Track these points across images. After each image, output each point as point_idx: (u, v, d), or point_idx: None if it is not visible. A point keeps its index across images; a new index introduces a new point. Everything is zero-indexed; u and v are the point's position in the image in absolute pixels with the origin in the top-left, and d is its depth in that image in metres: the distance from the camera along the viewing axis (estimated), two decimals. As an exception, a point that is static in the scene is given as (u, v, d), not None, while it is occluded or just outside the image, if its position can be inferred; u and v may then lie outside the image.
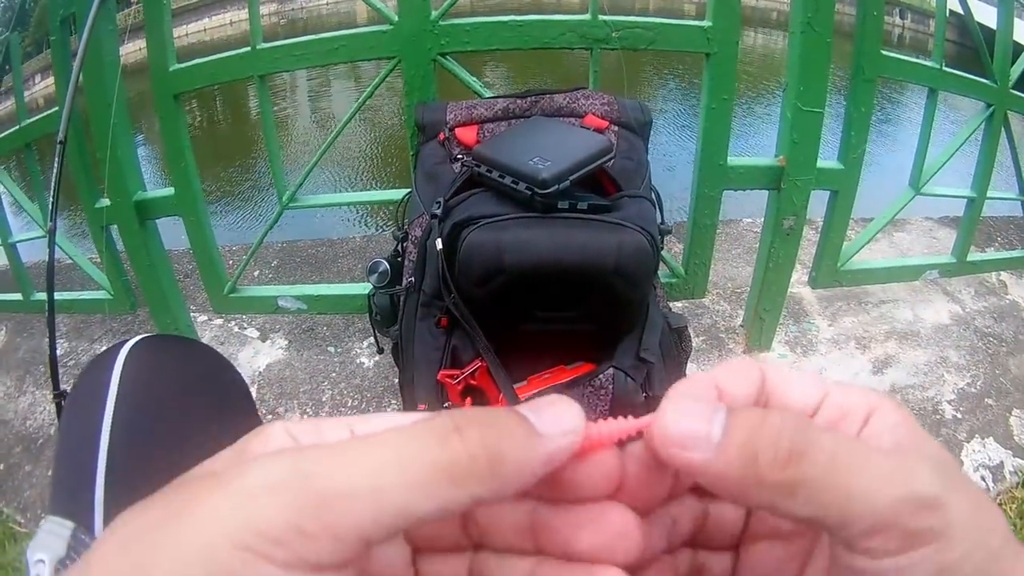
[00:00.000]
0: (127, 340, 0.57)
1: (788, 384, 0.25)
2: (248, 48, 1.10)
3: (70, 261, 1.55)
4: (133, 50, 1.45)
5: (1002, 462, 1.32)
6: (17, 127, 1.38)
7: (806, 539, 0.26)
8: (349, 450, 0.18)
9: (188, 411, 0.54)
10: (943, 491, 0.21)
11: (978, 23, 1.28)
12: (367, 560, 0.22)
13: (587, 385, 0.88)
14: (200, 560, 0.16)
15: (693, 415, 0.21)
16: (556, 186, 0.81)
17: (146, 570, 0.16)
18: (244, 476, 0.17)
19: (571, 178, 0.82)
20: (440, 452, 0.18)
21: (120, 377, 0.53)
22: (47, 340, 1.02)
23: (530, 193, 0.81)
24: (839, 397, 0.24)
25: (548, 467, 0.20)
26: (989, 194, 1.48)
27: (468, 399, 0.94)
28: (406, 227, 0.97)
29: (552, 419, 0.20)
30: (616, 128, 0.97)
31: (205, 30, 10.86)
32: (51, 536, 0.45)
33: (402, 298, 0.95)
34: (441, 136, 0.97)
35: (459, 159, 0.93)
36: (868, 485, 0.20)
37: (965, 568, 0.21)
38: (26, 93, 1.43)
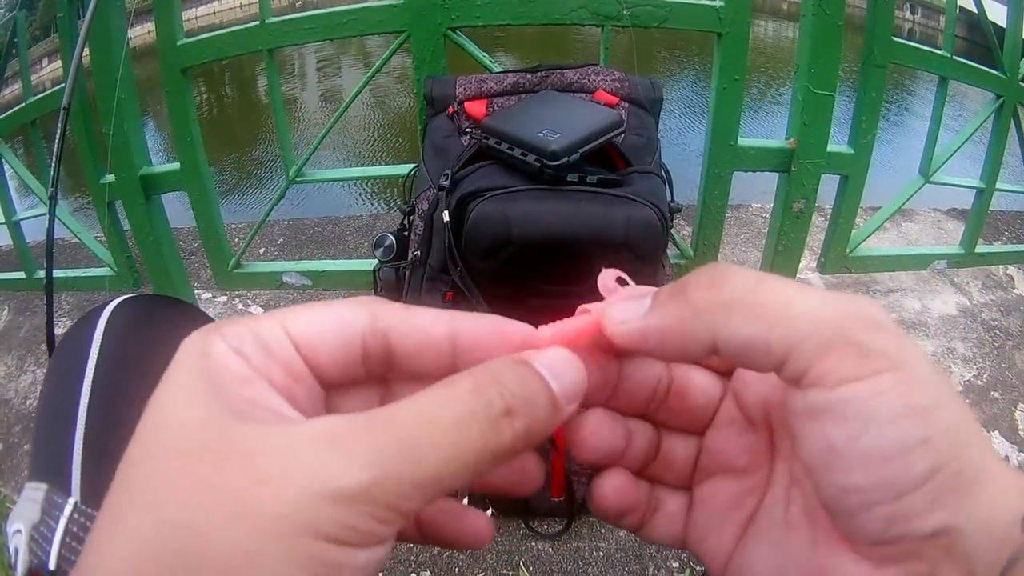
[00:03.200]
0: (111, 300, 0.56)
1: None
2: (257, 22, 1.10)
3: (74, 241, 1.55)
4: (140, 33, 1.44)
5: (1007, 456, 1.32)
6: (23, 104, 1.38)
7: (758, 472, 0.26)
8: (410, 427, 0.19)
9: None
10: (895, 327, 0.21)
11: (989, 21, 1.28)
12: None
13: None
14: (296, 562, 0.17)
15: (628, 299, 0.24)
16: (566, 158, 0.80)
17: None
18: (311, 476, 0.17)
19: (581, 151, 0.82)
20: (492, 442, 0.19)
21: (102, 337, 0.52)
22: (46, 314, 1.01)
23: (539, 165, 0.81)
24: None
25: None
26: (998, 186, 1.47)
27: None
28: (413, 201, 0.97)
29: (571, 391, 0.22)
30: (627, 105, 0.96)
31: (215, 13, 10.85)
32: (27, 503, 0.44)
33: (408, 272, 0.94)
34: (450, 110, 0.96)
35: (468, 132, 0.93)
36: (810, 300, 0.20)
37: (938, 419, 0.20)
38: (33, 77, 1.42)
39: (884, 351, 0.20)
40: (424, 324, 0.23)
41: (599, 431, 0.25)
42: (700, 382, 0.27)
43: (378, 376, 0.23)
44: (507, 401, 0.20)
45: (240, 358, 0.20)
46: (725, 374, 0.27)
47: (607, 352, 0.25)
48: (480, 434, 0.19)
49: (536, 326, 0.24)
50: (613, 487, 0.26)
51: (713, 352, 0.22)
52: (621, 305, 0.24)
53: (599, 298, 0.25)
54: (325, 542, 0.17)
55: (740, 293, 0.21)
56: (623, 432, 0.26)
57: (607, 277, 0.26)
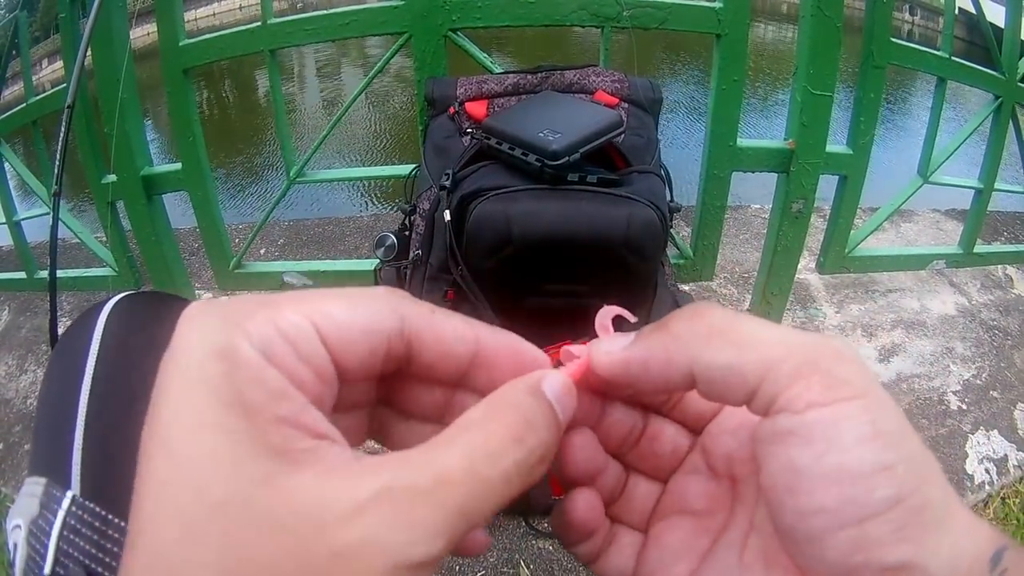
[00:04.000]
0: (111, 297, 0.56)
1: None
2: (258, 23, 1.10)
3: (75, 241, 1.55)
4: (141, 35, 1.45)
5: (1006, 455, 1.32)
6: (24, 104, 1.38)
7: (717, 517, 0.27)
8: (463, 503, 0.19)
9: None
10: (861, 360, 0.22)
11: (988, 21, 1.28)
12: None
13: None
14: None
15: (615, 338, 0.25)
16: (566, 158, 0.81)
17: None
18: (383, 553, 0.17)
19: (581, 151, 0.82)
20: (521, 485, 0.20)
21: (102, 333, 0.52)
22: (50, 313, 1.02)
23: (540, 165, 0.81)
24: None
25: None
26: (997, 186, 1.48)
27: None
28: (414, 201, 0.97)
29: (568, 417, 0.23)
30: (626, 105, 0.96)
31: (215, 14, 10.85)
32: (26, 498, 0.43)
33: (409, 271, 0.94)
34: (451, 110, 0.96)
35: (469, 132, 0.93)
36: (782, 333, 0.22)
37: (902, 448, 0.20)
38: (34, 77, 1.42)
39: (851, 380, 0.21)
40: (449, 337, 0.23)
41: (587, 447, 0.26)
42: (671, 433, 0.28)
43: (387, 372, 0.23)
44: (542, 450, 0.21)
45: (272, 366, 0.18)
46: (695, 432, 0.29)
47: (594, 391, 0.26)
48: (521, 484, 0.20)
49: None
50: (585, 501, 0.27)
51: (691, 381, 0.23)
52: (608, 340, 0.25)
53: (599, 299, 0.27)
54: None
55: (718, 325, 0.22)
56: (603, 457, 0.27)
57: (604, 316, 0.28)
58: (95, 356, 0.51)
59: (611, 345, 0.25)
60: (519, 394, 0.22)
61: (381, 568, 0.16)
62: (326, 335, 0.19)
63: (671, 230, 0.96)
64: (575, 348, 0.26)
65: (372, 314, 0.21)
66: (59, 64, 1.36)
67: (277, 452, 0.17)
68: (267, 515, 0.16)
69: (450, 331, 0.23)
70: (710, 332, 0.22)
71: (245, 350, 0.18)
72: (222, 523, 0.16)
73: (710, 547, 0.26)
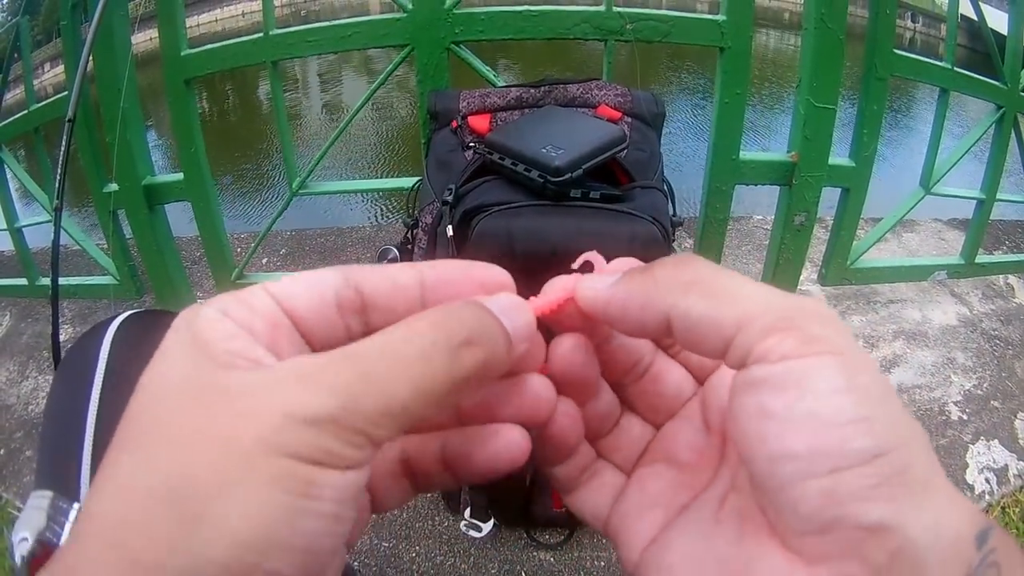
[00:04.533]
0: (117, 315, 0.57)
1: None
2: (261, 34, 1.10)
3: (77, 248, 1.55)
4: (143, 40, 1.45)
5: (1007, 465, 1.32)
6: (26, 111, 1.38)
7: (701, 473, 0.26)
8: (376, 362, 0.20)
9: None
10: (839, 321, 0.21)
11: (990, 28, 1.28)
12: None
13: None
14: (269, 479, 0.18)
15: (601, 273, 0.26)
16: (569, 174, 0.81)
17: (205, 500, 0.17)
18: (284, 404, 0.18)
19: (584, 167, 0.82)
20: (451, 371, 0.20)
21: (109, 351, 0.53)
22: (52, 324, 1.02)
23: (543, 181, 0.81)
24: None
25: (510, 366, 0.23)
26: (999, 196, 1.48)
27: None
28: (417, 214, 0.97)
29: (521, 332, 0.23)
30: (629, 119, 0.96)
31: (216, 20, 10.85)
32: (33, 511, 0.44)
33: (411, 285, 0.94)
34: (454, 124, 0.96)
35: (471, 147, 0.93)
36: (761, 289, 0.22)
37: (880, 406, 0.19)
38: (35, 81, 1.42)
39: (828, 338, 0.20)
40: (393, 271, 0.24)
41: (578, 350, 0.26)
42: (676, 376, 0.28)
43: (360, 334, 0.24)
44: (466, 333, 0.21)
45: (225, 318, 0.21)
46: (699, 381, 0.28)
47: (574, 325, 0.26)
48: (442, 364, 0.20)
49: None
50: (567, 414, 0.26)
51: (667, 328, 0.23)
52: (594, 277, 0.25)
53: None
54: (298, 461, 0.18)
55: (700, 275, 0.22)
56: (595, 371, 0.27)
57: (595, 256, 0.28)
58: (102, 374, 0.51)
59: (596, 282, 0.25)
60: (455, 303, 0.22)
61: (272, 421, 0.18)
62: (273, 291, 0.22)
63: (674, 242, 0.96)
64: (560, 279, 0.26)
65: (317, 272, 0.23)
66: (61, 68, 1.36)
67: (223, 365, 0.19)
68: (197, 399, 0.19)
69: (392, 268, 0.24)
70: (691, 281, 0.22)
71: (203, 311, 0.21)
72: (173, 409, 0.19)
73: (689, 501, 0.26)
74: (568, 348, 0.26)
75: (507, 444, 0.24)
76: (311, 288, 0.22)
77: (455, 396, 0.21)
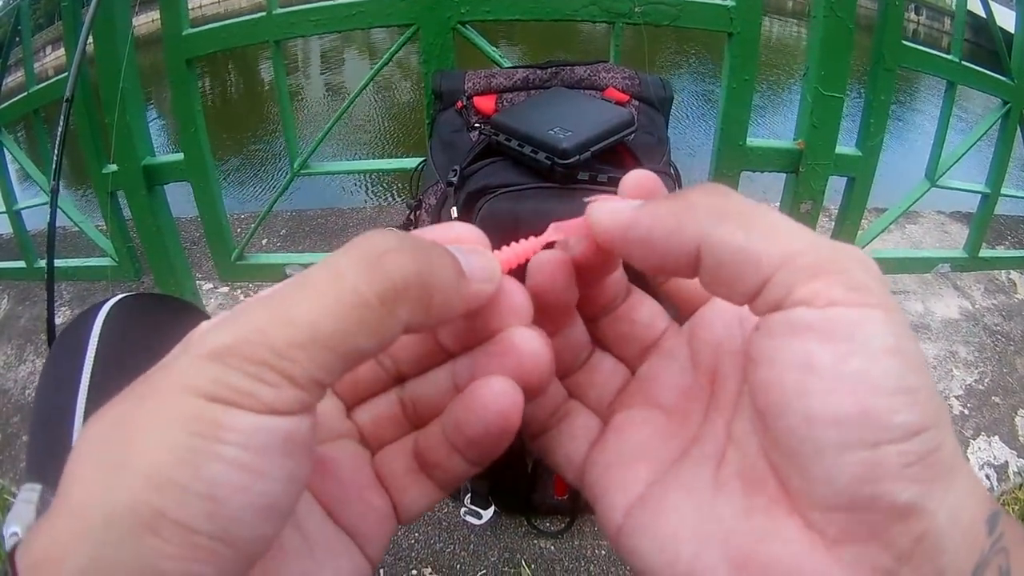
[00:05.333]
0: (108, 299, 0.56)
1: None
2: (263, 13, 1.09)
3: (75, 229, 1.54)
4: (144, 22, 1.43)
5: (1007, 462, 1.32)
6: (25, 93, 1.36)
7: (689, 420, 0.24)
8: (290, 296, 0.18)
9: None
10: (882, 279, 0.20)
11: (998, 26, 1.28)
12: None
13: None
14: (174, 417, 0.17)
15: (617, 200, 0.23)
16: (577, 157, 0.80)
17: (127, 445, 0.17)
18: (194, 346, 0.18)
19: (592, 149, 0.81)
20: (370, 281, 0.18)
21: (99, 336, 0.52)
22: (47, 313, 1.01)
23: (550, 163, 0.80)
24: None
25: (468, 307, 0.21)
26: (1003, 191, 1.47)
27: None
28: (420, 195, 0.96)
29: (478, 266, 0.21)
30: (637, 103, 0.95)
31: (218, 2, 10.76)
32: (23, 504, 0.43)
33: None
34: (459, 104, 0.95)
35: (476, 127, 0.92)
36: (805, 230, 0.20)
37: (923, 376, 0.18)
38: (36, 64, 1.41)
39: (874, 288, 0.18)
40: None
41: (562, 266, 0.24)
42: (649, 308, 0.26)
43: None
44: (388, 243, 0.19)
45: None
46: (685, 312, 0.26)
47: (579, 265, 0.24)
48: (360, 278, 0.18)
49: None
50: (552, 262, 0.24)
51: (695, 261, 0.20)
52: (611, 203, 0.22)
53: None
54: (203, 399, 0.17)
55: (738, 206, 0.20)
56: (575, 294, 0.25)
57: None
58: (91, 362, 0.50)
59: (616, 205, 0.22)
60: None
61: (182, 362, 0.18)
62: None
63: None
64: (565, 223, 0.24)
65: None
66: (62, 51, 1.35)
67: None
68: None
69: None
70: (728, 210, 0.20)
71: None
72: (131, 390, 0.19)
73: (679, 456, 0.23)
74: (550, 264, 0.24)
75: (492, 398, 0.21)
76: None
77: (389, 318, 0.18)
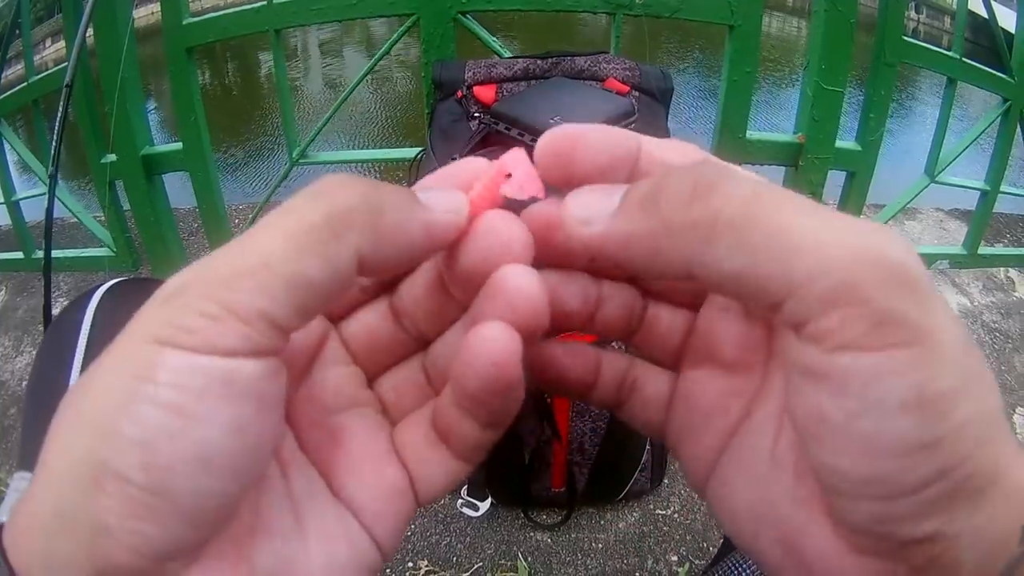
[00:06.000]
0: (103, 283, 0.55)
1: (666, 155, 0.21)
2: (264, 2, 1.09)
3: (73, 221, 1.54)
4: (144, 14, 1.43)
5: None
6: (25, 83, 1.36)
7: (751, 374, 0.22)
8: (242, 239, 0.17)
9: None
10: (928, 277, 0.16)
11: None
12: (302, 360, 0.22)
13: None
14: (121, 362, 0.16)
15: (595, 192, 0.20)
16: (577, 145, 0.80)
17: (84, 396, 0.17)
18: (157, 295, 0.17)
19: (592, 138, 0.81)
20: (316, 207, 0.17)
21: (93, 320, 0.51)
22: (43, 309, 1.00)
23: (549, 151, 0.80)
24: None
25: (430, 238, 0.19)
26: (1002, 189, 1.48)
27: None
28: (419, 186, 0.96)
29: (440, 197, 0.20)
30: (637, 94, 0.95)
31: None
32: (15, 494, 0.43)
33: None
34: (459, 94, 0.95)
35: (476, 117, 0.92)
36: (817, 229, 0.16)
37: (956, 415, 0.16)
38: (35, 57, 1.41)
39: (903, 318, 0.16)
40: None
41: (555, 291, 0.22)
42: None
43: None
44: (337, 180, 0.18)
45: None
46: None
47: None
48: (303, 209, 0.17)
49: None
50: (567, 350, 0.23)
51: (690, 279, 0.18)
52: (586, 197, 0.20)
53: None
54: (156, 344, 0.16)
55: (728, 212, 0.17)
56: (583, 294, 0.23)
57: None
58: (84, 348, 0.50)
59: (589, 209, 0.19)
60: None
61: (143, 311, 0.17)
62: None
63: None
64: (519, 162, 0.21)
65: None
66: (62, 43, 1.35)
67: None
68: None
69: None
70: (715, 224, 0.17)
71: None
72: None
73: (743, 417, 0.22)
74: (549, 287, 0.21)
75: (482, 347, 0.19)
76: None
77: (337, 243, 0.17)
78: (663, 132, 0.93)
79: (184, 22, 1.12)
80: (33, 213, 1.61)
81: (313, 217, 0.17)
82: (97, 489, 0.15)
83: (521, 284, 0.19)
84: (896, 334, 0.16)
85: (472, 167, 0.22)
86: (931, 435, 0.16)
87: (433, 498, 0.23)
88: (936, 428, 0.16)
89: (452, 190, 0.20)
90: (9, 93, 1.42)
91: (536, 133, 0.81)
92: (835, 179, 1.23)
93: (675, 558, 1.02)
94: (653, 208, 0.18)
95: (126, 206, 1.31)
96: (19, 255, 1.60)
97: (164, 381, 0.16)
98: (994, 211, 1.48)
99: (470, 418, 0.21)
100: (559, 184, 0.21)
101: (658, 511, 1.07)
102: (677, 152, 0.21)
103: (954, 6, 1.31)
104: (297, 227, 0.17)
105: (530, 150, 0.21)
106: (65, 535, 0.16)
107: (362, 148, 5.30)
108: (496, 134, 0.85)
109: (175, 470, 0.16)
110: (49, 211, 0.98)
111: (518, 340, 0.19)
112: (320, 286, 0.17)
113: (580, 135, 0.20)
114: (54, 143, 0.96)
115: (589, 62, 0.96)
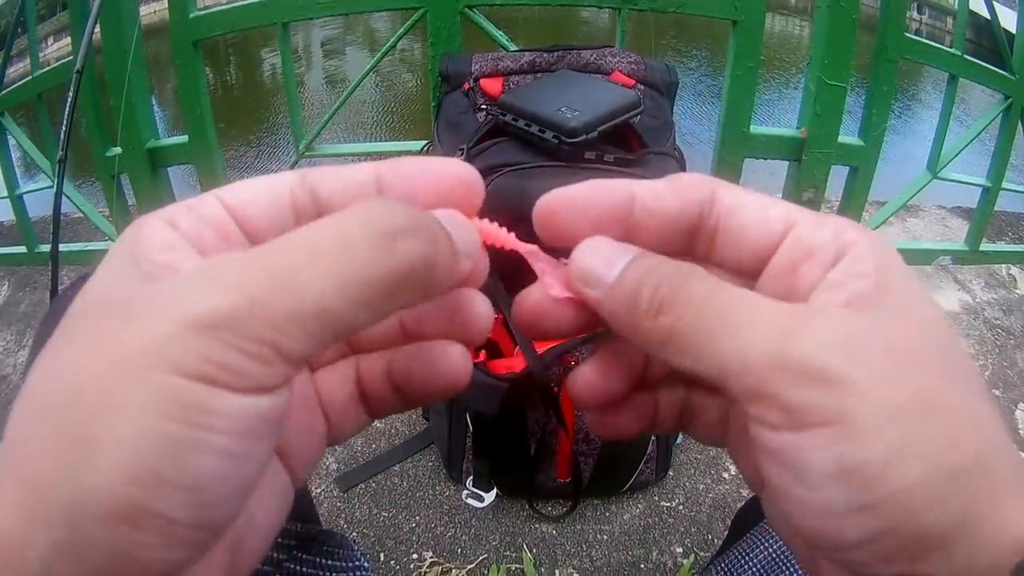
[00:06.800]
0: (94, 269, 0.55)
1: (744, 210, 0.22)
2: (269, -4, 1.09)
3: (77, 215, 1.54)
4: (147, 12, 1.43)
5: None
6: (30, 77, 1.37)
7: None
8: (289, 256, 0.17)
9: None
10: (842, 364, 0.18)
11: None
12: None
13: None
14: (156, 402, 0.15)
15: (600, 254, 0.21)
16: (584, 136, 0.80)
17: (94, 420, 0.15)
18: (169, 304, 0.16)
19: (599, 128, 0.81)
20: (381, 264, 0.17)
21: None
22: (49, 293, 1.00)
23: (557, 142, 0.80)
24: (807, 232, 0.21)
25: (456, 283, 0.20)
26: (1004, 185, 1.48)
27: (483, 352, 0.93)
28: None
29: (466, 242, 0.20)
30: (642, 87, 0.96)
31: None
32: None
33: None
34: (465, 86, 0.96)
35: (483, 109, 0.92)
36: (743, 341, 0.18)
37: (889, 479, 0.17)
38: (40, 55, 1.41)
39: (814, 406, 0.17)
40: (349, 170, 0.22)
41: (593, 380, 0.24)
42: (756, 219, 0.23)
43: None
44: (399, 221, 0.18)
45: (169, 227, 0.19)
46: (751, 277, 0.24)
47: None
48: (370, 255, 0.17)
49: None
50: (586, 377, 0.24)
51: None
52: (595, 258, 0.22)
53: None
54: (186, 379, 0.15)
55: (679, 326, 0.19)
56: (625, 377, 0.25)
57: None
58: None
59: (595, 270, 0.21)
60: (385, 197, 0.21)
61: (157, 327, 0.16)
62: (225, 197, 0.21)
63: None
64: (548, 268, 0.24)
65: (271, 176, 0.22)
66: (65, 41, 1.35)
67: (147, 277, 0.18)
68: (107, 310, 0.17)
69: (348, 168, 0.22)
70: (670, 335, 0.19)
71: (148, 221, 0.20)
72: (82, 320, 0.18)
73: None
74: (587, 378, 0.25)
75: (448, 363, 0.23)
76: (265, 192, 0.21)
77: (390, 301, 0.18)
78: (667, 125, 0.94)
79: (191, 15, 1.12)
80: (36, 209, 1.62)
81: (373, 271, 0.17)
82: (127, 526, 0.15)
83: (483, 313, 0.24)
84: (810, 417, 0.17)
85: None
86: (863, 500, 0.17)
87: (341, 443, 0.26)
88: (867, 494, 0.17)
89: (471, 231, 0.21)
90: (14, 87, 1.42)
91: (543, 123, 0.82)
92: (838, 174, 1.24)
93: (680, 550, 1.02)
94: (633, 308, 0.20)
95: (131, 201, 1.31)
96: (22, 249, 1.60)
97: (220, 428, 0.16)
98: (996, 209, 1.49)
99: (401, 399, 0.24)
100: (558, 245, 0.23)
101: (663, 503, 1.07)
102: (674, 193, 0.23)
103: (955, 6, 1.32)
104: (359, 277, 0.17)
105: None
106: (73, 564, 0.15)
107: (369, 139, 5.35)
108: (503, 125, 0.86)
109: (219, 506, 0.16)
110: (58, 197, 0.98)
111: (471, 359, 0.23)
112: (358, 331, 0.18)
113: (569, 198, 0.23)
114: (64, 126, 0.97)
115: (595, 55, 0.96)
